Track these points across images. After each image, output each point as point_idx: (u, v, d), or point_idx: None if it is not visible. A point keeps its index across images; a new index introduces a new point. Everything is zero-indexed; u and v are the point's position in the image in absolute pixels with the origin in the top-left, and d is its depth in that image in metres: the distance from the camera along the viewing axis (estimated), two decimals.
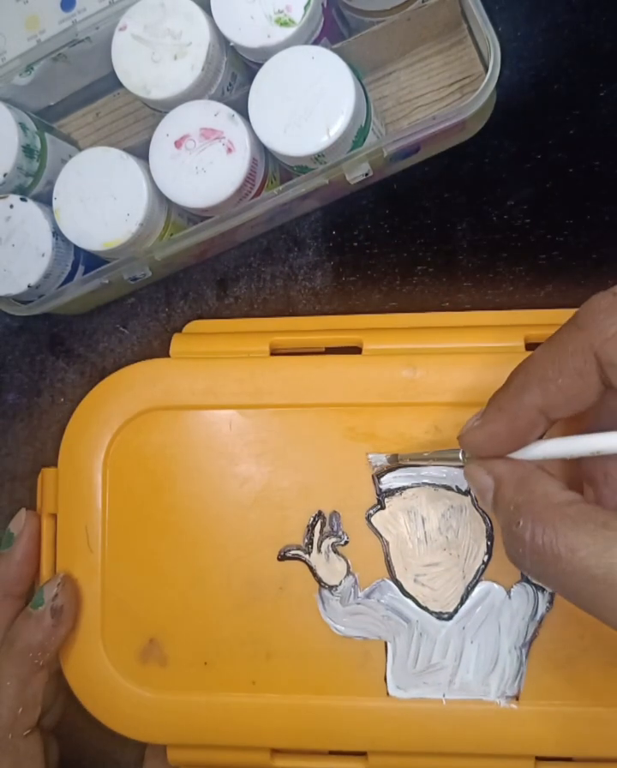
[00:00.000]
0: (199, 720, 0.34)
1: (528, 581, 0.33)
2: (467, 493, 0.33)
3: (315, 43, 0.34)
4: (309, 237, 0.40)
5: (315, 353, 0.35)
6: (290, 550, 0.34)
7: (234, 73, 0.36)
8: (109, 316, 0.42)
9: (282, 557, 0.34)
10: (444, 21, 0.37)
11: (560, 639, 0.32)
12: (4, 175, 0.35)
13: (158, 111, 0.36)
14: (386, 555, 0.33)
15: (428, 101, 0.38)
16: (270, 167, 0.36)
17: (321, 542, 0.34)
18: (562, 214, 0.38)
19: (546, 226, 0.38)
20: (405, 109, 0.39)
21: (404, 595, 0.33)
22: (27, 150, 0.36)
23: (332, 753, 0.34)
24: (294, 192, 0.34)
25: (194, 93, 0.34)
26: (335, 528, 0.34)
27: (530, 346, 0.33)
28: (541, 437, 0.27)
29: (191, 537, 0.34)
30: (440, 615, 0.33)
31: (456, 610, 0.33)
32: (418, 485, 0.33)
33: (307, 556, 0.34)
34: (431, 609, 0.33)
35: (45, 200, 0.36)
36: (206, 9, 0.34)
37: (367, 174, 0.34)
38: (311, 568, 0.34)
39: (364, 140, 0.35)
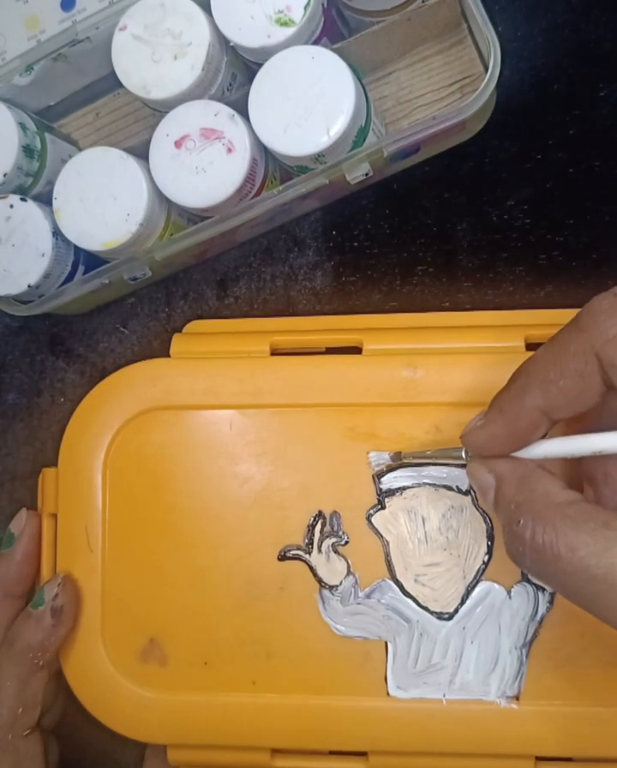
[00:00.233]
0: (199, 720, 0.34)
1: (528, 581, 0.33)
2: (467, 493, 0.33)
3: (315, 43, 0.34)
4: (309, 236, 0.40)
5: (315, 353, 0.35)
6: (290, 550, 0.34)
7: (234, 73, 0.36)
8: (109, 316, 0.42)
9: (282, 557, 0.34)
10: (444, 21, 0.37)
11: (560, 639, 0.32)
12: (4, 175, 0.35)
13: (158, 110, 0.36)
14: (387, 555, 0.33)
15: (428, 101, 0.38)
16: (270, 167, 0.36)
17: (322, 542, 0.34)
18: (562, 214, 0.38)
19: (546, 226, 0.38)
20: (405, 109, 0.39)
21: (405, 595, 0.33)
22: (27, 150, 0.36)
23: (332, 753, 0.34)
24: (294, 192, 0.34)
25: (194, 93, 0.34)
26: (335, 528, 0.34)
27: (530, 346, 0.33)
28: (543, 437, 0.27)
29: (191, 537, 0.34)
30: (440, 615, 0.33)
31: (456, 610, 0.33)
32: (419, 485, 0.33)
33: (307, 556, 0.34)
34: (431, 608, 0.33)
35: (45, 200, 0.36)
36: (206, 8, 0.34)
37: (367, 174, 0.34)
38: (311, 568, 0.34)
39: (364, 140, 0.35)
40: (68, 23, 0.37)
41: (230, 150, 0.34)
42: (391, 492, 0.34)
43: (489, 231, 0.38)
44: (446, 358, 0.34)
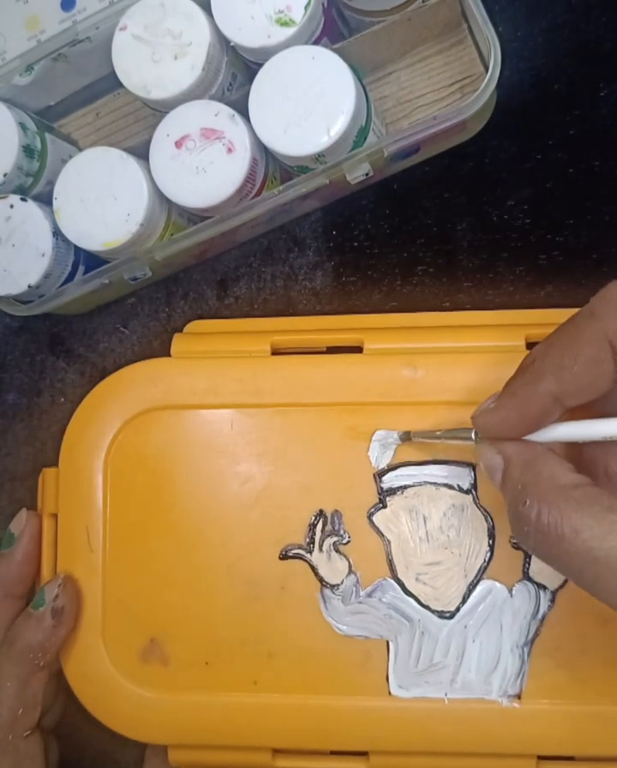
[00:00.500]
0: (200, 720, 0.34)
1: (530, 580, 0.33)
2: (469, 492, 0.33)
3: (316, 43, 0.34)
4: (310, 236, 0.40)
5: (316, 353, 0.35)
6: (291, 549, 0.34)
7: (234, 73, 0.36)
8: (109, 316, 0.42)
9: (283, 556, 0.34)
10: (444, 21, 0.37)
11: (561, 638, 0.32)
12: (4, 175, 0.35)
13: (158, 110, 0.36)
14: (388, 554, 0.33)
15: (429, 101, 0.38)
16: (270, 167, 0.36)
17: (323, 541, 0.34)
18: (562, 214, 0.38)
19: (546, 226, 0.38)
20: (406, 109, 0.39)
21: (406, 594, 0.33)
22: (28, 150, 0.36)
23: (333, 752, 0.34)
24: (294, 192, 0.34)
25: (195, 92, 0.34)
26: (336, 527, 0.34)
27: (530, 346, 0.33)
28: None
29: (192, 537, 0.34)
30: (441, 614, 0.33)
31: (458, 609, 0.33)
32: (419, 484, 0.33)
33: (308, 555, 0.34)
34: (433, 607, 0.33)
35: (46, 200, 0.36)
36: (207, 8, 0.34)
37: (367, 174, 0.34)
38: (312, 567, 0.34)
39: (364, 140, 0.35)
40: (68, 23, 0.37)
41: (230, 150, 0.34)
42: (392, 491, 0.34)
43: (489, 231, 0.39)
44: (446, 358, 0.34)
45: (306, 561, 0.34)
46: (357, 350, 0.35)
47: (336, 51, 0.33)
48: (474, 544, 0.33)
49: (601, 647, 0.32)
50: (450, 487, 0.33)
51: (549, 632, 0.32)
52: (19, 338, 0.43)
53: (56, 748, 0.36)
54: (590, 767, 0.32)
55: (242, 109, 0.34)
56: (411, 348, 0.34)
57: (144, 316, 0.42)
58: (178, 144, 0.34)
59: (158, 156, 0.34)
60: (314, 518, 0.34)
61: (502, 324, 0.35)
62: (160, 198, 0.35)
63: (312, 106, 0.33)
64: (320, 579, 0.34)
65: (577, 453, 0.29)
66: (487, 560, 0.33)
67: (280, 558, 0.34)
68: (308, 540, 0.34)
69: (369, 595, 0.33)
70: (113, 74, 0.35)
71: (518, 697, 0.32)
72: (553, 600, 0.32)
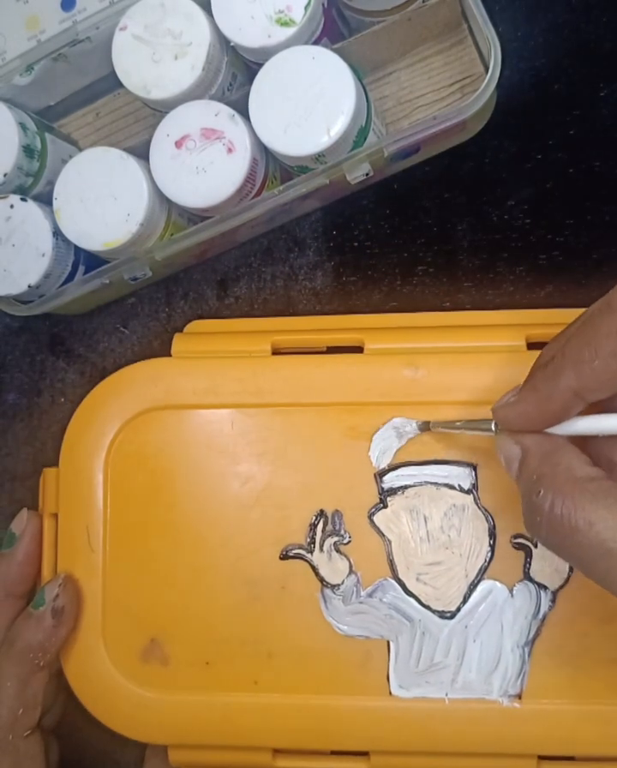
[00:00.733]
0: (200, 720, 0.34)
1: (530, 580, 0.33)
2: (469, 492, 0.33)
3: (316, 43, 0.34)
4: (310, 236, 0.40)
5: (316, 353, 0.35)
6: (291, 549, 0.34)
7: (234, 73, 0.36)
8: (109, 316, 0.42)
9: (284, 556, 0.34)
10: (444, 21, 0.37)
11: (562, 638, 0.32)
12: (4, 175, 0.35)
13: (158, 110, 0.36)
14: (389, 554, 0.33)
15: (429, 101, 0.38)
16: (270, 167, 0.36)
17: (323, 541, 0.34)
18: (562, 214, 0.38)
19: (546, 226, 0.38)
20: (406, 109, 0.39)
21: (407, 594, 0.33)
22: (28, 150, 0.36)
23: (334, 752, 0.34)
24: (294, 192, 0.34)
25: (195, 93, 0.34)
26: (337, 527, 0.34)
27: (531, 346, 0.33)
28: None
29: (193, 537, 0.34)
30: (442, 614, 0.33)
31: (458, 609, 0.33)
32: (420, 484, 0.33)
33: (309, 555, 0.34)
34: (433, 607, 0.33)
35: (46, 200, 0.36)
36: (207, 8, 0.34)
37: (367, 174, 0.34)
38: (313, 567, 0.34)
39: (365, 140, 0.35)
40: (68, 23, 0.37)
41: (230, 150, 0.34)
42: (392, 491, 0.34)
43: (489, 230, 0.39)
44: (447, 358, 0.34)
45: (306, 560, 0.34)
46: (358, 350, 0.35)
47: (336, 50, 0.33)
48: (475, 544, 0.33)
49: (601, 647, 0.32)
50: (451, 487, 0.33)
51: (550, 632, 0.32)
52: (19, 338, 0.43)
53: (56, 748, 0.36)
54: (590, 767, 0.32)
55: (242, 109, 0.34)
56: (412, 348, 0.34)
57: (144, 316, 0.42)
58: (178, 144, 0.34)
59: (158, 156, 0.34)
60: (314, 518, 0.34)
61: (502, 324, 0.35)
62: (160, 198, 0.35)
63: (312, 106, 0.33)
64: (321, 579, 0.34)
65: (582, 447, 0.29)
66: (487, 560, 0.33)
67: (281, 558, 0.34)
68: (308, 540, 0.34)
69: (370, 595, 0.33)
70: (113, 74, 0.35)
71: (519, 697, 0.32)
72: (553, 600, 0.32)
